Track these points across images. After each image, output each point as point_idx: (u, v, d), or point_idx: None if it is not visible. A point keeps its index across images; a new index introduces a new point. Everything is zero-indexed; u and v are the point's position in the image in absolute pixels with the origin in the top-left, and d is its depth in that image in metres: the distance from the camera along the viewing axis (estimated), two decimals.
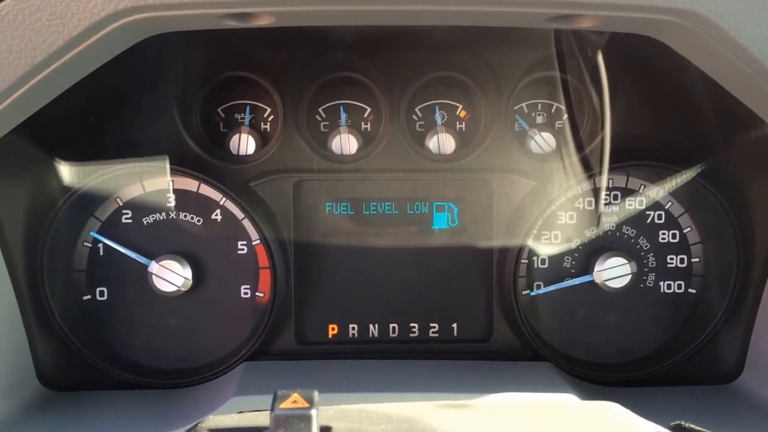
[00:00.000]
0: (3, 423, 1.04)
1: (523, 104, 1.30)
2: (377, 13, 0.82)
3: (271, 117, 1.28)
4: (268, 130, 1.28)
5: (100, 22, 0.77)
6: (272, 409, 0.73)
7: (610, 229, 1.28)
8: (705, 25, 0.80)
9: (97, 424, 1.10)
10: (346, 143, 1.25)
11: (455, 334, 1.31)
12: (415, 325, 1.30)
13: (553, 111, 1.30)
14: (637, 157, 1.24)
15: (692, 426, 0.82)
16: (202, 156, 1.24)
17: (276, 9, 0.77)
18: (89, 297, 1.25)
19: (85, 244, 1.24)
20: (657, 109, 1.28)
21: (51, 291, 1.19)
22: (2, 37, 0.79)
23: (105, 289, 1.25)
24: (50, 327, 1.20)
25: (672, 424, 0.84)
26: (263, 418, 0.77)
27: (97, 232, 1.24)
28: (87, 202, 1.22)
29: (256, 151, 1.26)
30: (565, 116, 1.29)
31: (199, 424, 0.81)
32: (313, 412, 0.73)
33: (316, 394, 0.76)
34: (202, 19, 0.81)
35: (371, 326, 1.30)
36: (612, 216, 1.28)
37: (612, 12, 0.80)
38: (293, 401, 0.74)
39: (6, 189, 1.09)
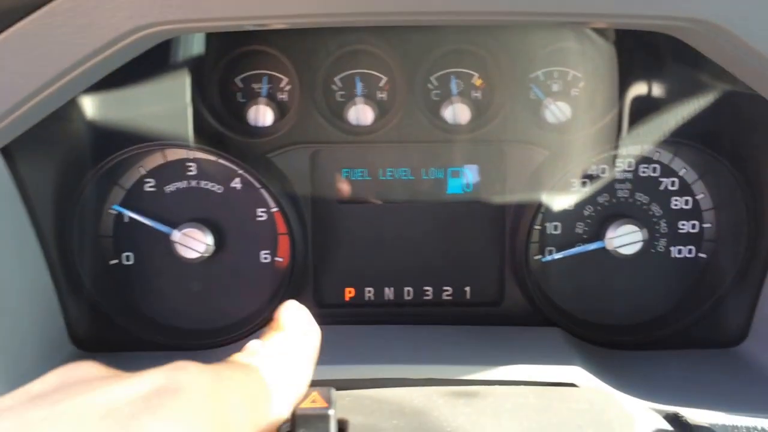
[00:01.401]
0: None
1: (539, 72, 1.29)
2: (390, 18, 0.83)
3: (288, 87, 1.29)
4: (285, 100, 1.29)
5: (122, 34, 0.79)
6: (301, 408, 0.78)
7: (623, 196, 1.30)
8: (718, 31, 0.80)
9: None
10: (362, 113, 1.27)
11: (468, 297, 1.35)
12: (429, 288, 1.35)
13: (569, 78, 1.29)
14: (652, 131, 1.24)
15: (686, 418, 0.87)
16: (220, 130, 1.26)
17: (289, 21, 0.79)
18: (116, 261, 1.30)
19: (111, 211, 1.28)
20: (671, 86, 1.27)
21: (80, 256, 1.24)
22: (32, 46, 0.82)
23: (131, 254, 1.30)
24: (80, 290, 1.25)
25: (668, 414, 0.89)
26: None
27: (122, 201, 1.28)
28: (112, 171, 1.26)
29: (273, 123, 1.27)
30: (581, 84, 1.29)
31: None
32: (331, 412, 0.78)
33: (333, 393, 0.80)
34: (219, 28, 0.82)
35: (387, 290, 1.35)
36: (625, 183, 1.30)
37: (623, 20, 0.80)
38: (312, 400, 0.79)
39: (35, 163, 1.12)
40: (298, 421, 0.77)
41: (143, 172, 1.28)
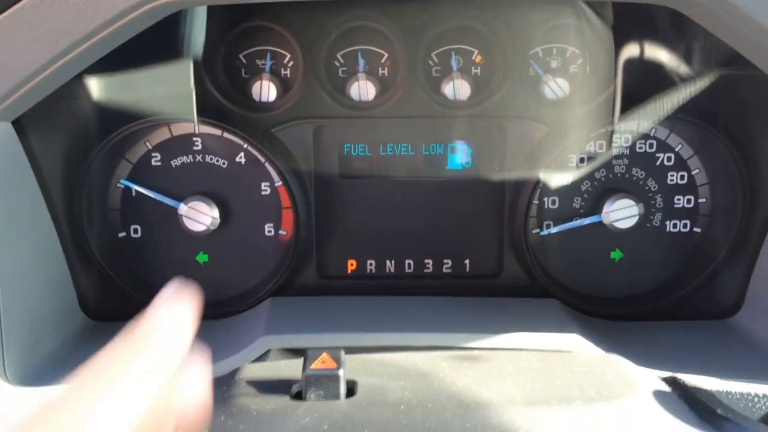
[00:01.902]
0: (54, 353, 1.14)
1: (539, 48, 1.31)
2: None
3: (291, 63, 1.31)
4: (289, 76, 1.31)
5: (131, 6, 0.81)
6: (304, 369, 0.81)
7: (619, 171, 1.33)
8: (720, 3, 0.83)
9: None
10: (364, 89, 1.29)
11: (467, 270, 1.38)
12: (430, 261, 1.38)
13: (567, 55, 1.32)
14: (649, 106, 1.27)
15: (685, 381, 0.90)
16: (225, 105, 1.29)
17: None
18: (124, 234, 1.32)
19: (118, 185, 1.30)
20: (668, 63, 1.30)
21: (89, 229, 1.27)
22: (44, 18, 0.83)
23: (138, 227, 1.33)
24: (90, 262, 1.28)
25: (666, 377, 0.92)
26: (295, 369, 0.86)
27: (129, 175, 1.30)
28: (119, 145, 1.28)
29: (277, 98, 1.30)
30: (580, 61, 1.31)
31: (237, 375, 0.89)
32: (341, 372, 0.81)
33: (342, 354, 0.83)
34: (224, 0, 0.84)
35: (388, 262, 1.37)
36: (622, 158, 1.33)
37: None
38: (322, 361, 0.82)
39: (45, 136, 1.14)
40: (309, 380, 0.80)
41: (149, 146, 1.30)
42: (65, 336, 1.18)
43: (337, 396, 0.78)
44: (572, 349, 1.09)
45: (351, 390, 0.81)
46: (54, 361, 1.11)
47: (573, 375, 0.88)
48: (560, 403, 0.80)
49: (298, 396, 0.81)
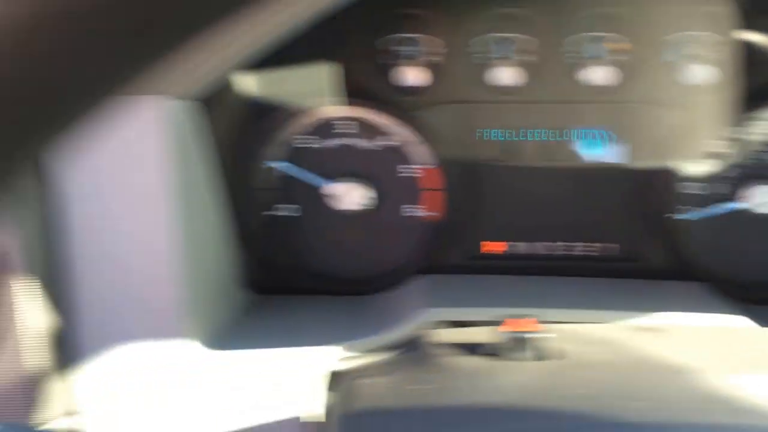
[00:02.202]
0: (224, 323, 1.20)
1: (679, 34, 1.32)
2: None
3: (438, 49, 1.35)
4: (434, 60, 1.35)
5: None
6: (507, 331, 0.84)
7: (763, 158, 1.33)
8: None
9: (301, 325, 1.24)
10: (507, 75, 1.33)
11: (611, 253, 1.40)
12: (576, 244, 1.40)
13: (709, 41, 1.32)
14: None
15: None
16: (374, 88, 1.34)
17: None
18: (277, 213, 1.39)
19: (269, 165, 1.36)
20: None
21: (247, 207, 1.34)
22: None
23: (289, 206, 1.38)
24: (249, 239, 1.35)
25: None
26: (485, 334, 0.89)
27: (280, 156, 1.35)
28: (271, 127, 1.34)
29: (423, 83, 1.34)
30: (720, 47, 1.32)
31: (423, 338, 0.93)
32: (545, 334, 0.84)
33: (543, 320, 0.86)
34: None
35: (532, 244, 1.40)
36: (765, 144, 1.33)
37: None
38: (521, 324, 0.85)
39: (213, 116, 1.21)
40: (515, 342, 0.84)
41: (301, 128, 1.35)
42: (232, 307, 1.25)
43: (542, 357, 0.82)
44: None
45: (550, 354, 0.84)
46: (224, 330, 1.17)
47: (754, 348, 0.90)
48: (749, 371, 0.82)
49: (498, 356, 0.84)
